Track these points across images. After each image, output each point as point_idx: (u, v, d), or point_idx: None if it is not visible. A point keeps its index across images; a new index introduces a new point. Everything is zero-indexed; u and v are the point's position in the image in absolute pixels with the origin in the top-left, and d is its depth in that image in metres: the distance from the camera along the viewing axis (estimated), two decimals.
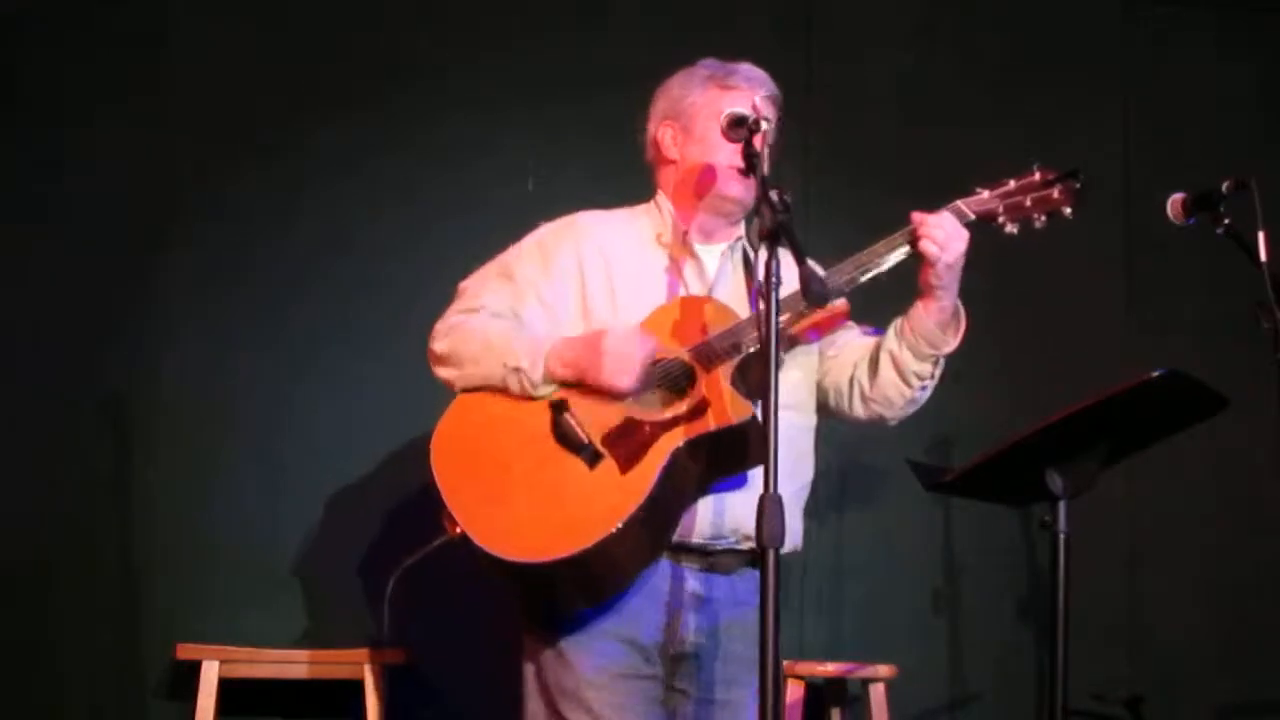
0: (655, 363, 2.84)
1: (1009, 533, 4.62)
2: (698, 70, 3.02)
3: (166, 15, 4.33)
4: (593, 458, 2.79)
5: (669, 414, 2.81)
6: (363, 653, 3.96)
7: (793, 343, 3.00)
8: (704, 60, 3.04)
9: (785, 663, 4.08)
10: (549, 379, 2.85)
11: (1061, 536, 2.98)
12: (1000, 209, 2.91)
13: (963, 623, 4.66)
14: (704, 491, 2.83)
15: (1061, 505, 2.97)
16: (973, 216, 2.89)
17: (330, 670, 3.99)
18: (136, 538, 4.17)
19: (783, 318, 2.78)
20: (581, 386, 2.84)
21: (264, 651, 4.00)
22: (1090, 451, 2.97)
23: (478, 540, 2.76)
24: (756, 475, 2.58)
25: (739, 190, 2.93)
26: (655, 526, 2.79)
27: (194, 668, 3.89)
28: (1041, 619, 4.53)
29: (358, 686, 3.95)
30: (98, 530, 4.15)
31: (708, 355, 2.84)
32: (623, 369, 2.80)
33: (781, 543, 2.47)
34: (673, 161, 3.02)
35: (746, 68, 3.01)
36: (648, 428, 2.80)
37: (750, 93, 2.95)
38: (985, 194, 2.93)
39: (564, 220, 3.05)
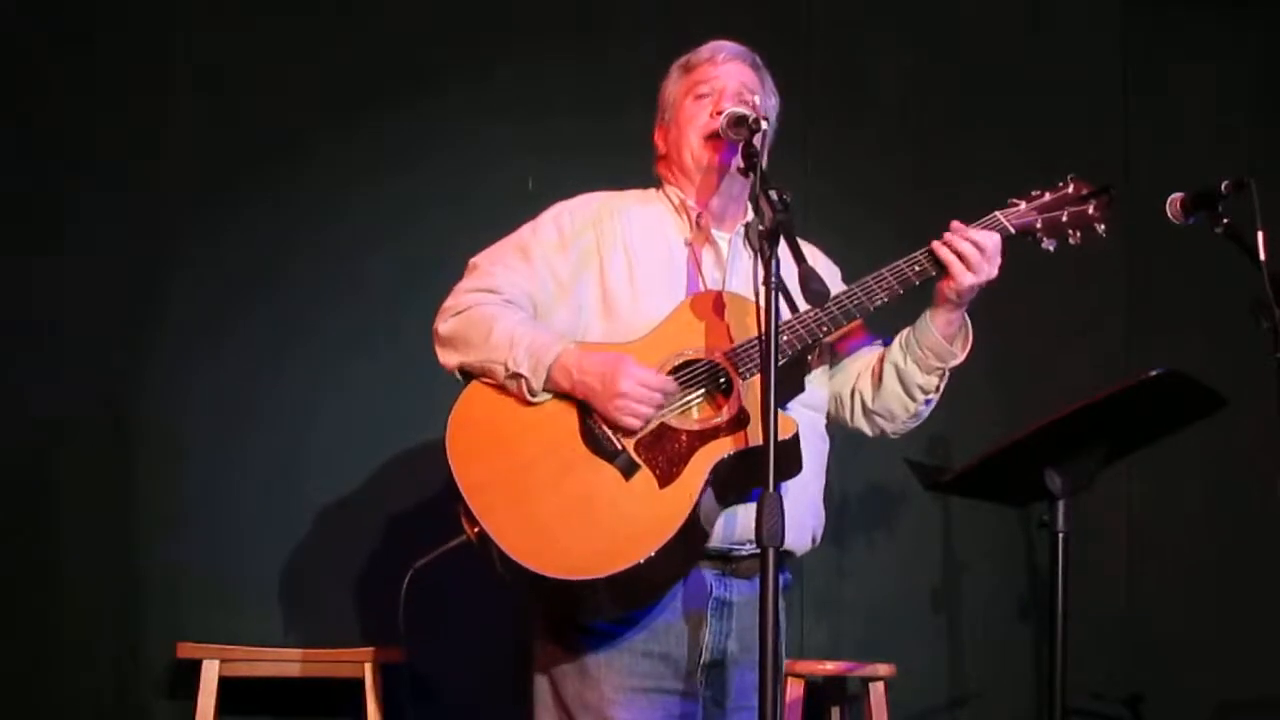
0: (682, 366, 2.75)
1: (1009, 532, 4.62)
2: (674, 65, 2.99)
3: (172, 23, 4.32)
4: (628, 467, 2.67)
5: (707, 424, 2.71)
6: (362, 652, 3.95)
7: (833, 354, 2.97)
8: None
9: (785, 661, 4.07)
10: (550, 388, 2.73)
11: (1060, 536, 2.98)
12: (1038, 223, 2.86)
13: (962, 622, 4.67)
14: (738, 502, 2.74)
15: (1060, 504, 2.98)
16: (1013, 231, 2.84)
17: (330, 670, 3.99)
18: (136, 537, 4.17)
19: (822, 330, 2.78)
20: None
21: (264, 651, 3.99)
22: (1089, 451, 2.97)
23: (510, 551, 2.62)
24: (785, 482, 2.53)
25: (715, 157, 2.86)
26: (692, 541, 2.68)
27: (194, 667, 3.88)
28: (1041, 618, 4.53)
29: (358, 686, 3.95)
30: (98, 530, 4.15)
31: (744, 361, 2.74)
32: (637, 413, 2.68)
33: (781, 541, 2.43)
34: (664, 155, 2.98)
35: (710, 44, 2.96)
36: (684, 437, 2.69)
37: (710, 64, 2.91)
38: (1022, 205, 2.87)
39: (581, 199, 2.95)
